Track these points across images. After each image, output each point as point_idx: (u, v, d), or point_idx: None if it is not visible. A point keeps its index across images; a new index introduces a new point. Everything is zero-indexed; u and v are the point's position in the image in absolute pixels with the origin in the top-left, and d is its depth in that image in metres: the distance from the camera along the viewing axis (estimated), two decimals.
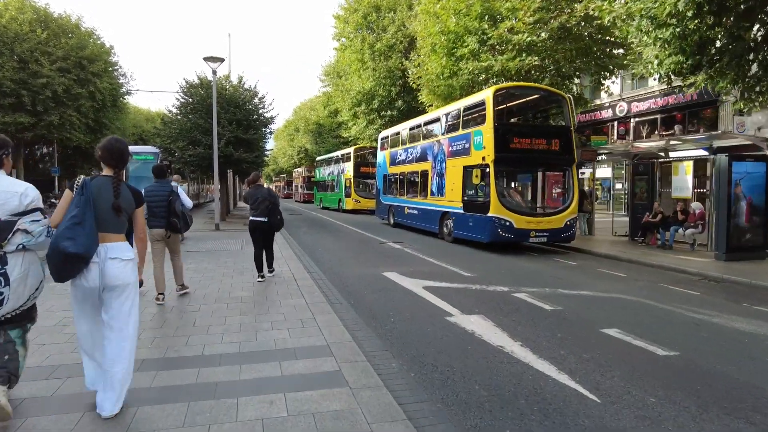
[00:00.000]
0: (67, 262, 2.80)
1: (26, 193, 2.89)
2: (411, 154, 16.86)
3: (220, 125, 16.62)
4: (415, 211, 16.38)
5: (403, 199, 17.65)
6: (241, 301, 6.05)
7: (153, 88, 64.59)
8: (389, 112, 26.79)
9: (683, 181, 12.87)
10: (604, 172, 26.17)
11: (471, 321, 5.71)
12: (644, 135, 24.69)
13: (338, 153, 32.74)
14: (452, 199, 13.59)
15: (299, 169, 52.95)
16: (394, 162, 18.72)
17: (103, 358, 3.01)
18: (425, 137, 15.92)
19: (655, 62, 10.64)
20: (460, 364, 4.31)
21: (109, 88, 32.45)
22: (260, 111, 18.64)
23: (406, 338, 5.05)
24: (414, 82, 19.55)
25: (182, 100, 17.57)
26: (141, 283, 3.43)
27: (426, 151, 15.53)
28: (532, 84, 14.22)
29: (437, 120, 14.99)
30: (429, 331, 5.30)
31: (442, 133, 14.46)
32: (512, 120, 14.06)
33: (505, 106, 13.02)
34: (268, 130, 19.19)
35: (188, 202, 6.40)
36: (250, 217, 7.78)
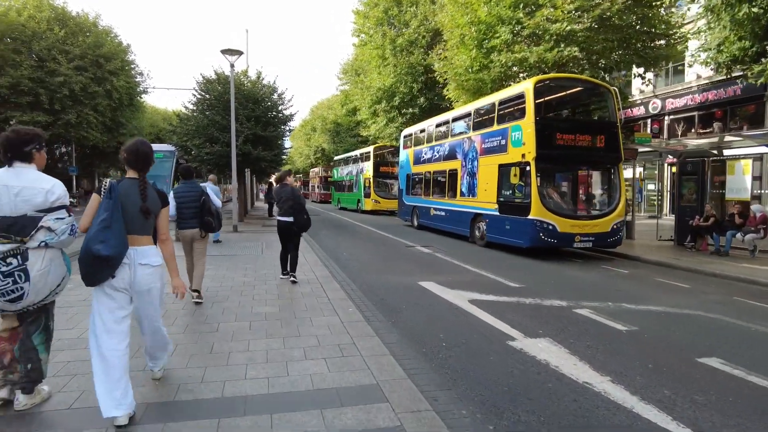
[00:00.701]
0: (99, 264, 2.80)
1: (52, 190, 2.92)
2: (438, 152, 15.93)
3: (238, 122, 15.88)
4: (443, 213, 15.44)
5: (428, 200, 16.72)
6: (266, 318, 5.20)
7: (170, 88, 64.39)
8: (410, 110, 25.85)
9: (740, 182, 11.72)
10: (627, 172, 24.95)
11: (539, 347, 4.77)
12: (679, 134, 23.38)
13: (357, 152, 31.91)
14: (485, 200, 12.63)
15: (315, 169, 52.28)
16: (418, 161, 17.79)
17: (146, 337, 3.32)
18: (454, 134, 14.97)
19: (714, 50, 9.55)
20: (547, 412, 3.38)
21: (126, 86, 32.13)
22: (279, 108, 17.86)
23: (468, 372, 4.14)
24: (440, 77, 18.57)
25: (199, 96, 16.87)
26: (175, 289, 3.28)
27: (455, 148, 14.59)
28: (576, 75, 13.20)
29: (468, 115, 14.03)
30: (493, 362, 4.38)
31: (474, 129, 13.49)
32: (554, 114, 13.02)
33: (546, 98, 12.02)
34: (288, 128, 18.38)
35: (218, 202, 6.40)
36: (277, 217, 7.39)
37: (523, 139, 11.03)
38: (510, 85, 15.29)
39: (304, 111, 68.62)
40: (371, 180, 27.81)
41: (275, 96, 17.58)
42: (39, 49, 28.30)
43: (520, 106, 11.46)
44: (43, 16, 29.07)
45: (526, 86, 11.18)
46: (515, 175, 11.06)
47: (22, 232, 2.79)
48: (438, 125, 16.30)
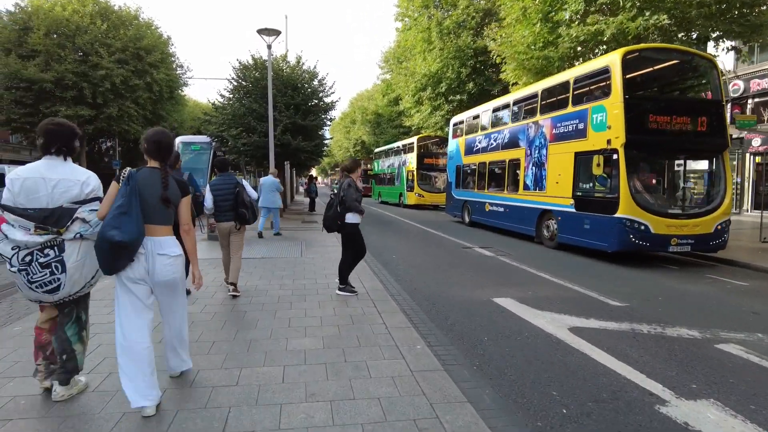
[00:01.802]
0: (114, 251, 2.73)
1: (87, 182, 2.95)
2: (495, 141, 14.19)
3: (276, 110, 14.68)
4: (501, 209, 13.72)
5: (482, 194, 15.03)
6: (305, 359, 3.79)
7: (207, 78, 64.41)
8: (458, 97, 24.05)
9: None
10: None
11: (708, 418, 3.16)
12: (766, 119, 20.63)
13: (399, 143, 30.36)
14: (557, 195, 10.87)
15: None
16: (471, 150, 16.09)
17: (168, 332, 3.23)
18: (516, 119, 13.19)
19: None
20: None
21: (166, 79, 31.76)
22: (320, 95, 16.53)
23: None
24: (498, 57, 16.72)
25: (235, 84, 15.77)
26: (195, 279, 3.15)
27: (517, 135, 12.83)
28: (672, 46, 11.15)
29: (533, 97, 12.23)
30: None
31: (542, 113, 11.70)
32: (646, 92, 11.00)
33: (636, 73, 10.08)
34: (329, 117, 17.05)
35: (253, 194, 6.20)
36: (349, 219, 6.10)
37: (607, 121, 9.21)
38: (578, 64, 13.36)
39: (343, 103, 67.39)
40: (414, 172, 26.22)
41: (315, 82, 16.25)
42: (82, 43, 28.26)
43: (603, 83, 9.64)
44: (87, 10, 29.05)
45: (611, 59, 9.32)
46: (598, 164, 9.27)
47: (59, 224, 2.80)
48: (495, 110, 14.53)
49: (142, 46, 29.82)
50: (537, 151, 11.74)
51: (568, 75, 10.83)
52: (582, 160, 10.04)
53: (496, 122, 14.43)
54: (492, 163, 14.47)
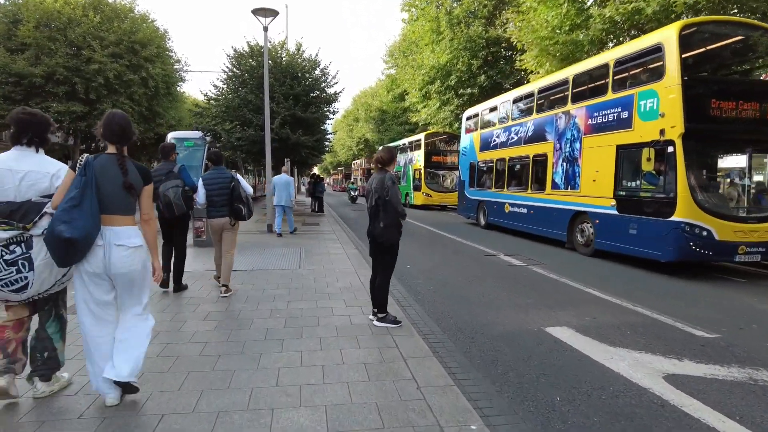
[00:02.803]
0: (64, 247, 2.56)
1: (58, 174, 2.80)
2: (516, 134, 12.78)
3: (274, 101, 13.31)
4: (524, 210, 12.32)
5: (501, 194, 13.63)
6: None
7: (203, 71, 62.49)
8: (469, 90, 22.65)
9: None
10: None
11: None
12: None
13: (405, 141, 28.94)
14: (594, 194, 9.48)
15: (358, 161, 49.81)
16: (487, 146, 14.68)
17: (116, 332, 2.87)
18: (541, 109, 11.78)
19: None
20: None
21: (162, 73, 30.40)
22: (322, 86, 15.13)
23: None
24: (517, 42, 15.30)
25: (229, 73, 14.39)
26: (154, 271, 2.97)
27: (543, 127, 11.43)
28: (737, 18, 9.73)
29: (563, 84, 10.82)
30: None
31: (574, 102, 10.30)
32: (706, 73, 9.53)
33: (696, 52, 8.68)
34: (332, 109, 15.62)
35: (249, 189, 5.83)
36: (382, 224, 4.61)
37: (660, 108, 7.81)
38: (609, 47, 11.96)
39: (346, 101, 65.97)
40: (422, 171, 24.81)
41: (317, 72, 14.85)
42: (74, 36, 27.00)
43: (653, 64, 8.26)
44: (79, 2, 27.83)
45: (665, 35, 7.92)
46: (648, 159, 7.85)
47: (25, 219, 2.67)
48: (517, 100, 13.10)
49: (136, 40, 28.50)
50: (568, 145, 10.34)
51: (608, 57, 9.42)
52: (626, 154, 8.66)
53: (518, 114, 13.02)
54: (513, 160, 13.07)
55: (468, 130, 16.58)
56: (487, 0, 21.88)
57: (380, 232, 4.30)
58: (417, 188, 25.28)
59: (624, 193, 8.71)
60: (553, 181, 10.95)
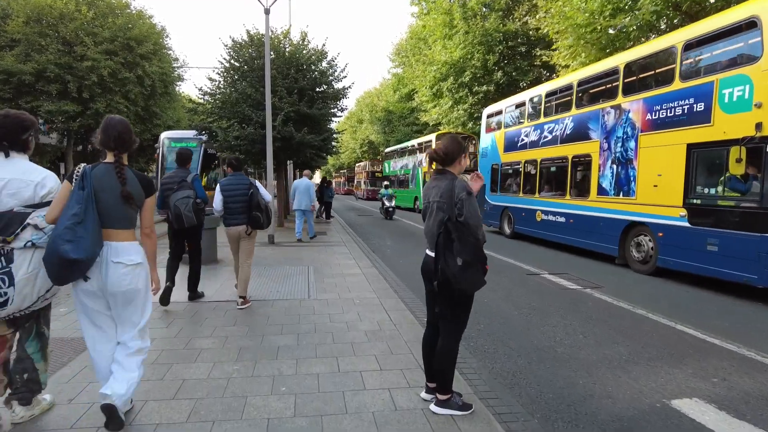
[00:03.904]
0: (67, 267, 2.40)
1: (43, 183, 2.63)
2: (551, 133, 11.29)
3: (277, 96, 11.85)
4: (561, 219, 10.82)
5: (531, 200, 12.14)
6: None
7: (200, 67, 60.49)
8: (484, 87, 21.17)
9: None
10: None
11: None
12: None
13: (414, 142, 27.46)
14: (654, 202, 8.00)
15: (362, 164, 48.34)
16: (513, 146, 13.19)
17: (111, 364, 2.68)
18: (581, 104, 10.30)
19: None
20: None
21: (159, 72, 28.95)
22: (329, 79, 13.65)
23: None
24: (548, 29, 13.81)
25: (226, 65, 12.93)
26: (153, 283, 2.81)
27: (585, 124, 9.95)
28: None
29: (612, 74, 9.34)
30: None
31: (626, 94, 8.82)
32: None
33: None
34: (341, 106, 14.13)
35: (267, 196, 5.56)
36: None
37: (754, 97, 6.33)
38: (652, 37, 10.48)
39: (349, 102, 64.40)
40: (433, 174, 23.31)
41: (324, 64, 13.38)
42: (66, 32, 25.65)
43: (743, 44, 6.76)
44: None
45: (764, 5, 6.44)
46: (738, 160, 6.37)
47: (6, 231, 2.49)
48: (551, 94, 11.60)
49: (132, 36, 27.10)
50: (619, 144, 8.86)
51: (673, 39, 7.94)
52: (702, 154, 7.18)
53: (552, 110, 11.51)
54: (546, 161, 11.58)
55: (489, 129, 15.11)
56: None
57: (456, 275, 2.72)
58: None
59: (699, 201, 7.21)
60: (599, 185, 9.47)
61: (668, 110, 7.78)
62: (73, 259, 2.34)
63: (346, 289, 6.26)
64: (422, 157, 24.98)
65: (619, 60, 9.26)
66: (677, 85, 7.64)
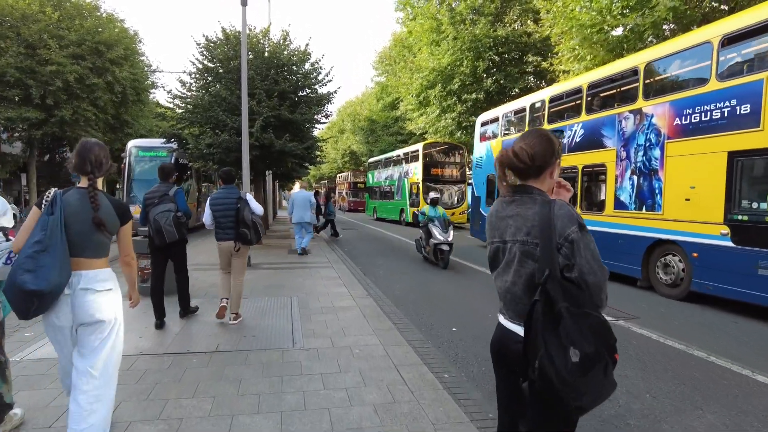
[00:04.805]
0: (27, 299, 2.18)
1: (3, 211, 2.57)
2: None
3: (255, 99, 10.64)
4: None
5: None
6: None
7: (173, 72, 58.09)
8: (473, 95, 20.31)
9: None
10: None
11: None
12: None
13: (400, 152, 26.47)
14: (687, 218, 7.05)
15: (344, 174, 47.20)
16: None
17: (77, 407, 2.34)
18: (592, 109, 9.39)
19: None
20: None
21: (131, 78, 27.33)
22: (313, 83, 12.51)
23: None
24: (551, 31, 12.95)
25: (199, 66, 11.68)
26: (134, 304, 2.77)
27: (599, 131, 9.02)
28: None
29: (629, 75, 8.44)
30: None
31: (648, 97, 7.91)
32: None
33: None
34: (325, 112, 12.98)
35: (258, 209, 5.44)
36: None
37: None
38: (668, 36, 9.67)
39: (333, 108, 63.34)
40: (420, 185, 22.33)
41: (307, 66, 12.25)
42: (29, 34, 23.97)
43: None
44: None
45: None
46: None
47: None
48: (555, 99, 10.68)
49: (101, 40, 25.48)
50: (641, 153, 7.92)
51: (707, 34, 7.05)
52: (748, 163, 6.25)
53: (558, 115, 10.60)
54: None
55: (483, 138, 14.15)
56: None
57: (568, 380, 1.47)
58: (414, 204, 22.80)
59: (745, 218, 6.27)
60: (617, 199, 8.51)
61: (703, 114, 6.86)
62: (31, 290, 2.15)
63: (340, 330, 5.04)
64: (409, 167, 24.01)
65: (638, 60, 8.36)
66: (714, 85, 6.74)
